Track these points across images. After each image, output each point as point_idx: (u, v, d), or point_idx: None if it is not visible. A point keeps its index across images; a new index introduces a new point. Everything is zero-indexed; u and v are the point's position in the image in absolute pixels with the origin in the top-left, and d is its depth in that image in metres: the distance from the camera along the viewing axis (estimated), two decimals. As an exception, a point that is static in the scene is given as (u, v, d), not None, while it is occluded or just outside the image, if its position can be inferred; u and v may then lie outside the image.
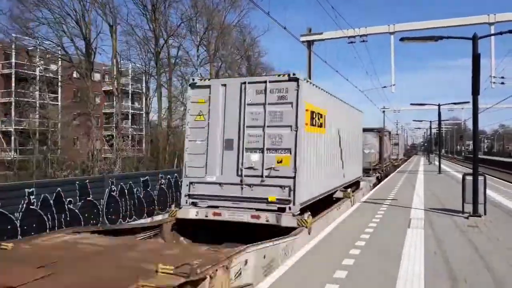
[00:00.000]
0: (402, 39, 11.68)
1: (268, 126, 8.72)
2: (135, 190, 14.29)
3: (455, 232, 8.60)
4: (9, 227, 10.07)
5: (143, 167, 35.64)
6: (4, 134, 42.64)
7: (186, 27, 40.02)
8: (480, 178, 10.23)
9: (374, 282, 5.43)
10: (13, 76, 42.18)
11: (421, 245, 7.39)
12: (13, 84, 42.01)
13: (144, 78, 46.93)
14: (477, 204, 10.06)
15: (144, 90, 48.83)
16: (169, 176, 16.20)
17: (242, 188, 8.82)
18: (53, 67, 41.80)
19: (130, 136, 44.55)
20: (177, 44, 41.22)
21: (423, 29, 22.16)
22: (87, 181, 12.63)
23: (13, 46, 36.48)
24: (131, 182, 14.19)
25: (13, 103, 41.46)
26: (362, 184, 17.43)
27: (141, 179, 14.75)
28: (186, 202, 9.36)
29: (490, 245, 7.44)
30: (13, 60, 41.92)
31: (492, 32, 19.30)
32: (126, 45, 40.40)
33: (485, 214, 10.14)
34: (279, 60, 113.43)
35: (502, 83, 22.55)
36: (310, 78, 25.19)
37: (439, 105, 27.91)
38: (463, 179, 10.59)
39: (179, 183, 16.76)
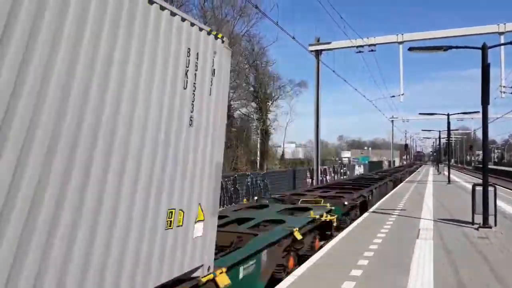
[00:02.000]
0: (410, 49, 11.67)
1: None
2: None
3: (464, 243, 8.50)
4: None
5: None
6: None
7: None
8: (490, 188, 10.12)
9: (383, 293, 5.38)
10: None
11: (430, 256, 7.31)
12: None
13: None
14: (487, 215, 9.94)
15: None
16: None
17: None
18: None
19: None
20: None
21: (431, 39, 22.18)
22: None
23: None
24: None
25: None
26: None
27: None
28: None
29: (500, 257, 7.34)
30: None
31: (502, 41, 19.22)
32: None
33: (495, 225, 10.01)
34: (287, 69, 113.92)
35: (512, 93, 22.40)
36: (318, 87, 25.29)
37: (448, 115, 27.75)
38: (473, 189, 10.48)
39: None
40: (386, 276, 6.08)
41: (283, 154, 70.90)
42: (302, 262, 6.94)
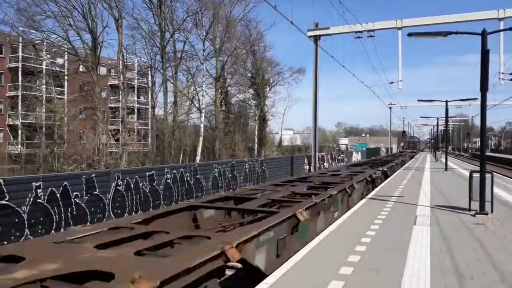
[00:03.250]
0: (410, 34, 11.59)
1: None
2: (141, 184, 14.35)
3: (461, 230, 8.55)
4: (16, 220, 10.17)
5: (149, 162, 35.78)
6: (11, 128, 42.97)
7: (192, 21, 40.00)
8: (488, 175, 10.15)
9: (380, 278, 5.42)
10: (20, 69, 42.42)
11: (427, 242, 7.36)
12: (20, 78, 42.27)
13: (150, 72, 47.07)
14: (484, 202, 9.99)
15: (150, 85, 48.96)
16: (174, 171, 16.24)
17: None
18: (59, 60, 41.97)
19: (136, 131, 44.72)
20: (183, 38, 41.26)
21: (431, 25, 22.03)
22: (93, 175, 12.71)
23: (20, 40, 36.60)
24: (137, 176, 14.26)
25: (20, 97, 41.72)
26: None
27: (147, 173, 14.81)
28: None
29: (497, 243, 7.39)
30: (20, 54, 42.15)
31: (502, 27, 19.09)
32: (131, 39, 40.55)
33: (492, 212, 10.07)
34: (285, 54, 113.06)
35: (511, 79, 22.35)
36: (316, 72, 25.15)
37: (446, 102, 27.70)
38: (470, 176, 10.51)
39: (185, 178, 16.83)
40: (383, 262, 6.12)
41: (280, 141, 71.00)
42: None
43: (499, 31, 15.61)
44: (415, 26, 22.13)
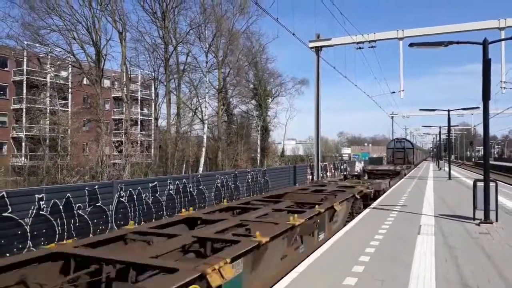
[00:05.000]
0: (411, 45, 11.61)
1: None
2: (143, 195, 14.34)
3: (466, 239, 8.49)
4: (19, 232, 10.16)
5: (151, 173, 35.79)
6: (15, 140, 43.16)
7: (195, 34, 40.31)
8: (492, 184, 10.10)
9: (384, 289, 5.37)
10: (24, 82, 42.77)
11: (432, 252, 7.30)
12: (24, 91, 42.60)
13: (153, 84, 47.32)
14: (488, 211, 9.92)
15: (153, 96, 49.20)
16: (177, 181, 16.24)
17: None
18: (63, 73, 42.31)
19: (139, 142, 44.81)
20: (186, 50, 41.56)
21: (432, 35, 22.13)
22: (96, 186, 12.71)
23: (24, 53, 36.96)
24: (139, 187, 14.25)
25: (24, 110, 41.98)
26: None
27: (150, 184, 14.80)
28: None
29: (502, 252, 7.32)
30: (25, 67, 42.54)
31: (503, 37, 19.15)
32: (135, 52, 40.83)
33: (496, 220, 9.99)
34: (287, 66, 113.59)
35: (513, 88, 22.36)
36: (318, 83, 25.23)
37: (448, 111, 27.69)
38: (474, 185, 10.47)
39: (188, 188, 16.82)
40: (388, 272, 6.07)
41: (283, 151, 70.88)
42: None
43: (500, 40, 15.63)
44: (416, 36, 22.22)
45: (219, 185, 19.10)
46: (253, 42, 48.97)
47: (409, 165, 42.16)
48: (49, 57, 36.17)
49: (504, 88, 21.60)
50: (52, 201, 11.02)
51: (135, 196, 13.94)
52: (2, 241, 9.72)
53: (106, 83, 47.32)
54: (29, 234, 10.34)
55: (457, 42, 11.00)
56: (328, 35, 24.94)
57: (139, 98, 55.66)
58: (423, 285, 5.49)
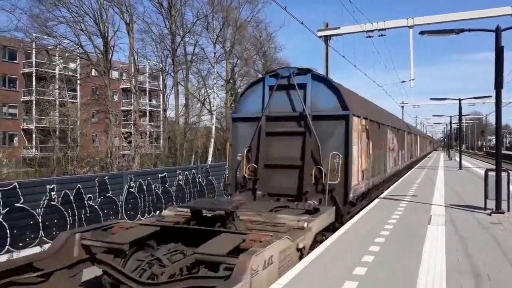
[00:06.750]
0: (421, 33, 11.42)
1: None
2: (153, 186, 14.43)
3: (477, 229, 8.41)
4: (31, 222, 10.30)
5: (161, 164, 35.99)
6: (26, 132, 43.61)
7: (202, 24, 40.14)
8: (503, 174, 9.97)
9: (395, 278, 5.34)
10: (33, 75, 43.08)
11: (443, 242, 7.25)
12: (33, 83, 42.92)
13: (161, 75, 47.32)
14: (500, 201, 9.82)
15: (161, 87, 49.25)
16: (186, 172, 16.30)
17: None
18: (71, 65, 42.50)
19: (148, 133, 45.01)
20: (193, 41, 41.45)
21: (443, 22, 21.70)
22: (106, 177, 12.81)
23: (33, 46, 37.16)
24: (149, 178, 14.34)
25: (34, 102, 42.34)
26: None
27: (159, 175, 14.88)
28: None
29: (514, 242, 7.25)
30: (34, 59, 42.81)
31: (515, 23, 18.76)
32: (142, 43, 40.84)
33: (508, 210, 9.89)
34: (296, 55, 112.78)
35: (526, 76, 21.97)
36: (327, 73, 25.02)
37: (460, 100, 27.33)
38: (486, 175, 10.35)
39: (197, 179, 16.89)
40: (398, 262, 6.04)
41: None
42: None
43: (513, 27, 15.35)
44: (427, 24, 21.83)
45: (228, 175, 19.14)
46: (261, 30, 48.62)
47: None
48: (57, 49, 36.32)
49: (517, 76, 21.24)
50: (63, 191, 11.14)
51: (144, 187, 14.04)
52: (15, 231, 9.86)
53: (114, 74, 47.43)
54: (41, 224, 10.47)
55: (469, 30, 10.80)
56: (337, 24, 24.65)
57: (147, 89, 55.74)
58: (433, 274, 5.45)
